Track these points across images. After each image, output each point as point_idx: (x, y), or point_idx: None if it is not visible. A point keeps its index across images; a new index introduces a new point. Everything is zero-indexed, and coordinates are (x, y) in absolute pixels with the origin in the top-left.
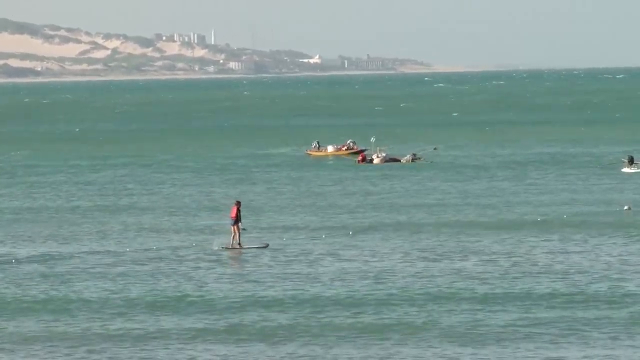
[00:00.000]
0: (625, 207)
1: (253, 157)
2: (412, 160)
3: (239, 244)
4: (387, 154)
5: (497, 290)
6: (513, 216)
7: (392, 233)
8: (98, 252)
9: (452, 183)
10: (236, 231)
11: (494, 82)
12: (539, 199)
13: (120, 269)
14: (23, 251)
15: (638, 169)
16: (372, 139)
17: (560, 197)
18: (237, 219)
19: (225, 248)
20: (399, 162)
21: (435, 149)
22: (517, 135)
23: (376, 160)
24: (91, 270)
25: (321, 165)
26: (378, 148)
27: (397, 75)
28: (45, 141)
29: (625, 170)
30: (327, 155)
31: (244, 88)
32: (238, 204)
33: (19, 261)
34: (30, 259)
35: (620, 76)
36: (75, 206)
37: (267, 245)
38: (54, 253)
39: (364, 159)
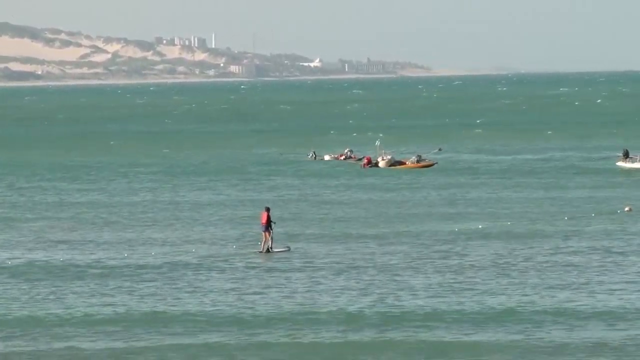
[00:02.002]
0: (626, 209)
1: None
2: (417, 162)
3: (270, 248)
4: (392, 157)
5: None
6: (515, 219)
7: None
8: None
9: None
10: (267, 237)
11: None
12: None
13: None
14: (35, 256)
15: (633, 162)
16: (377, 142)
17: (558, 199)
18: (267, 225)
19: (259, 252)
20: (404, 165)
21: (439, 150)
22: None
23: (381, 163)
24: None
25: (325, 170)
26: (383, 151)
27: (396, 79)
28: None
29: (620, 164)
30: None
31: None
32: (267, 210)
33: (37, 269)
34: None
35: (602, 79)
36: None
37: (289, 249)
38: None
39: (369, 162)
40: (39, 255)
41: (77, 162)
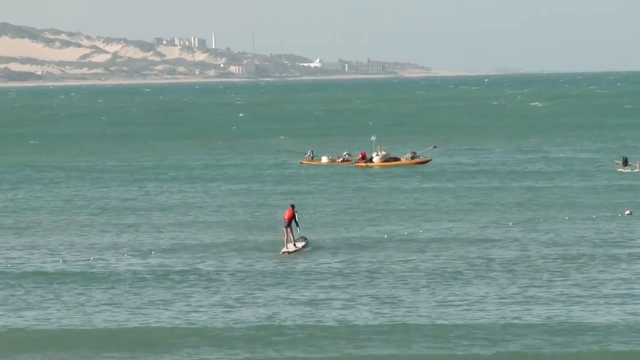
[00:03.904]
0: (627, 212)
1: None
2: (412, 158)
3: (294, 245)
4: (387, 153)
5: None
6: (514, 222)
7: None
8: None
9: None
10: (288, 234)
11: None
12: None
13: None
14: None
15: (632, 169)
16: (373, 138)
17: (558, 201)
18: (290, 222)
19: (287, 252)
20: (399, 161)
21: (434, 147)
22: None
23: (376, 159)
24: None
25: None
26: (378, 147)
27: (395, 79)
28: None
29: (620, 171)
30: (320, 166)
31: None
32: (292, 207)
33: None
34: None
35: (563, 79)
36: None
37: (305, 241)
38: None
39: (363, 157)
40: None
41: None
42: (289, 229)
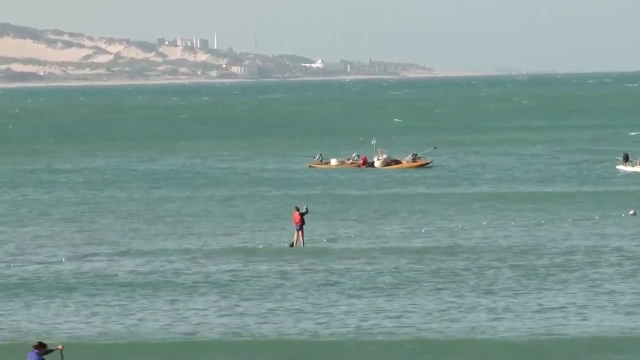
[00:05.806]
0: (631, 212)
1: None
2: (413, 160)
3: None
4: (388, 156)
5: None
6: (518, 224)
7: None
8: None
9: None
10: (299, 237)
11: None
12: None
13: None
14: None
15: (633, 166)
16: (373, 142)
17: (558, 201)
18: (301, 225)
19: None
20: (400, 164)
21: (435, 148)
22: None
23: (377, 163)
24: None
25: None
26: (379, 150)
27: (397, 80)
28: None
29: (620, 167)
30: (330, 169)
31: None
32: (297, 209)
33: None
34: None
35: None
36: None
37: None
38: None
39: (365, 162)
40: None
41: None
42: (300, 232)
